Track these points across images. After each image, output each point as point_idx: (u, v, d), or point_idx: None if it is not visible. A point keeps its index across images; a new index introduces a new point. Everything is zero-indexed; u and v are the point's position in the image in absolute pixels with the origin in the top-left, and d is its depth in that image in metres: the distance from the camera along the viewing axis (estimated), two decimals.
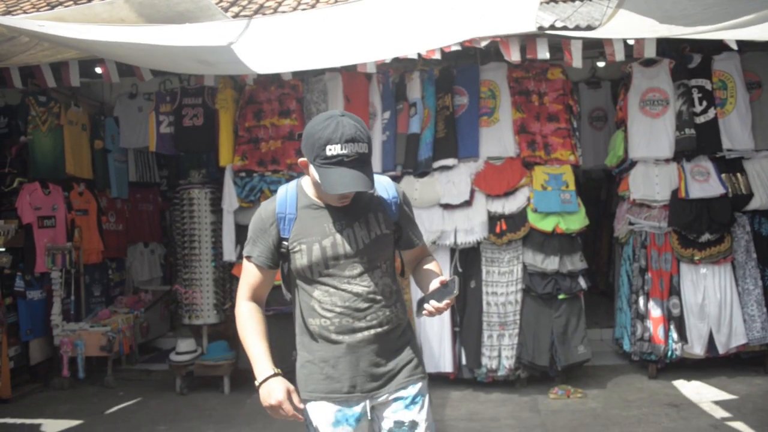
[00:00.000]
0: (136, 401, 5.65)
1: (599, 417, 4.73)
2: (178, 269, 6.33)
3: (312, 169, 2.06)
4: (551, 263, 5.33)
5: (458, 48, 5.01)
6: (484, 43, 4.91)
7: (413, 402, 2.16)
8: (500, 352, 5.39)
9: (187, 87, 6.35)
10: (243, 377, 5.87)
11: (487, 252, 5.47)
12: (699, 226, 5.43)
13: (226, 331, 6.40)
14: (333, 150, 1.97)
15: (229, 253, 5.75)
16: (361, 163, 2.00)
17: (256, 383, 2.07)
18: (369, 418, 2.18)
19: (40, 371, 6.23)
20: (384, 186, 2.27)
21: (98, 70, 5.52)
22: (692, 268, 5.52)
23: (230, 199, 5.74)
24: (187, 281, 6.09)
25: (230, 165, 5.83)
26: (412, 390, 2.17)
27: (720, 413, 4.68)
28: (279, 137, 5.79)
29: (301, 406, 2.03)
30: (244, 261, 2.25)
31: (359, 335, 2.13)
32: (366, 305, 2.14)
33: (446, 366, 5.48)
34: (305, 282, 2.18)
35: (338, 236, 2.14)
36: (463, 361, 5.48)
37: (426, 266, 2.33)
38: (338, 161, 1.97)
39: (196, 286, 6.06)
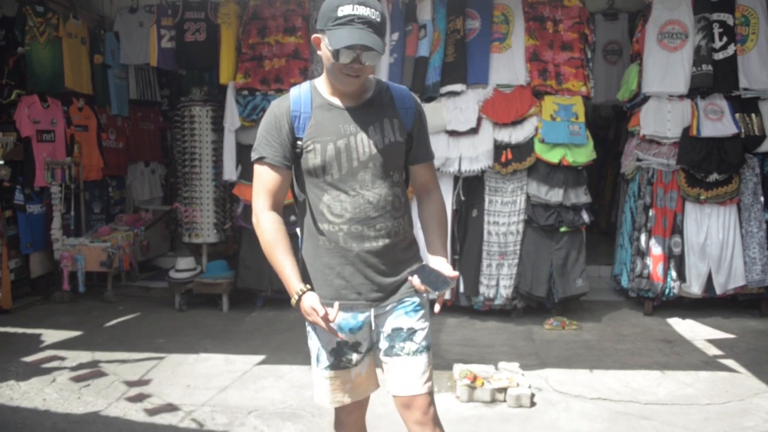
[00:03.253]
0: (135, 316, 5.72)
1: (592, 349, 4.78)
2: (179, 187, 6.30)
3: (324, 41, 1.99)
4: (555, 195, 5.27)
5: None
6: None
7: (414, 310, 2.15)
8: (498, 281, 5.40)
9: (189, 0, 6.14)
10: (241, 296, 5.93)
11: (491, 181, 5.40)
12: (708, 165, 5.34)
13: (225, 250, 6.43)
14: (344, 11, 1.93)
15: (229, 173, 5.69)
16: (371, 26, 1.94)
17: (292, 302, 2.02)
18: (375, 328, 2.17)
19: (41, 285, 6.30)
20: (401, 94, 2.20)
21: None
22: (697, 208, 5.47)
23: (232, 117, 5.63)
24: (187, 199, 6.06)
25: (232, 83, 5.69)
26: (414, 299, 2.15)
27: (713, 351, 4.72)
28: (283, 55, 5.62)
29: (332, 314, 1.97)
30: (256, 166, 2.12)
31: (367, 244, 2.08)
32: (377, 214, 2.08)
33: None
34: (315, 186, 2.10)
35: (353, 138, 2.07)
36: (461, 289, 5.49)
37: (433, 224, 2.24)
38: (349, 20, 1.93)
39: (197, 204, 6.04)
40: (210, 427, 3.47)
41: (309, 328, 2.22)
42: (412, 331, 2.13)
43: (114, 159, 7.24)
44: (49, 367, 4.33)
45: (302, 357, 4.29)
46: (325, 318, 1.95)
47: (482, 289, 5.41)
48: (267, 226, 2.08)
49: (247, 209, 5.62)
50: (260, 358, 4.54)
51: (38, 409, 3.67)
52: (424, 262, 2.16)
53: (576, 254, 5.37)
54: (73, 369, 4.31)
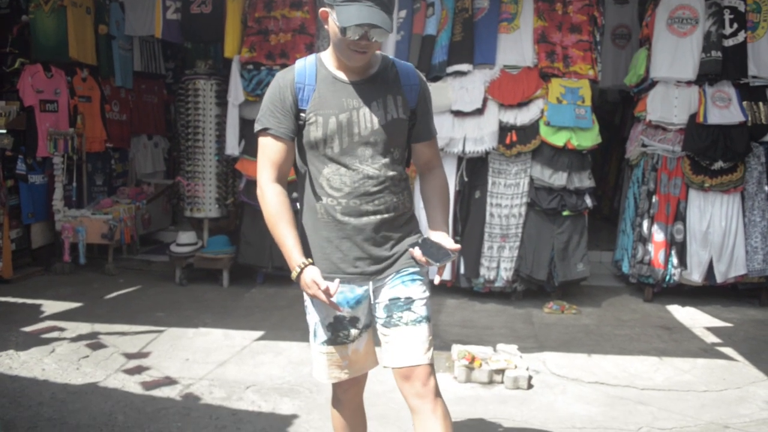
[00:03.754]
0: (136, 289, 5.73)
1: (591, 333, 4.78)
2: (181, 161, 6.28)
3: (332, 16, 1.96)
4: (559, 179, 5.24)
5: None
6: None
7: (412, 280, 2.14)
8: (499, 263, 5.40)
9: None
10: (242, 272, 5.93)
11: (494, 163, 5.37)
12: (713, 153, 5.31)
13: (227, 225, 6.42)
14: None
15: (232, 147, 5.66)
16: (380, 3, 1.92)
17: (293, 275, 2.02)
18: (373, 301, 2.16)
19: (42, 255, 6.30)
20: (407, 71, 2.19)
21: None
22: (701, 195, 5.44)
23: (236, 91, 5.59)
24: (189, 173, 6.04)
25: (237, 56, 5.64)
26: (412, 269, 2.15)
27: (711, 338, 4.73)
28: (289, 30, 5.56)
29: (333, 288, 1.96)
30: (261, 138, 2.11)
31: (365, 219, 2.09)
32: (376, 189, 2.08)
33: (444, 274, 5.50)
34: (316, 158, 2.10)
35: (355, 113, 2.06)
36: (462, 270, 5.49)
37: (435, 199, 2.25)
38: None
39: (199, 178, 6.02)
40: (208, 400, 3.48)
41: (307, 303, 2.22)
42: (410, 301, 2.12)
43: (117, 131, 7.21)
44: (49, 338, 4.35)
45: (301, 334, 4.30)
46: (326, 292, 1.94)
47: (483, 271, 5.40)
48: (271, 198, 2.08)
49: (250, 185, 5.60)
50: (259, 333, 4.55)
51: (37, 379, 3.69)
52: (424, 236, 2.18)
53: (578, 238, 5.36)
54: (72, 340, 4.32)
